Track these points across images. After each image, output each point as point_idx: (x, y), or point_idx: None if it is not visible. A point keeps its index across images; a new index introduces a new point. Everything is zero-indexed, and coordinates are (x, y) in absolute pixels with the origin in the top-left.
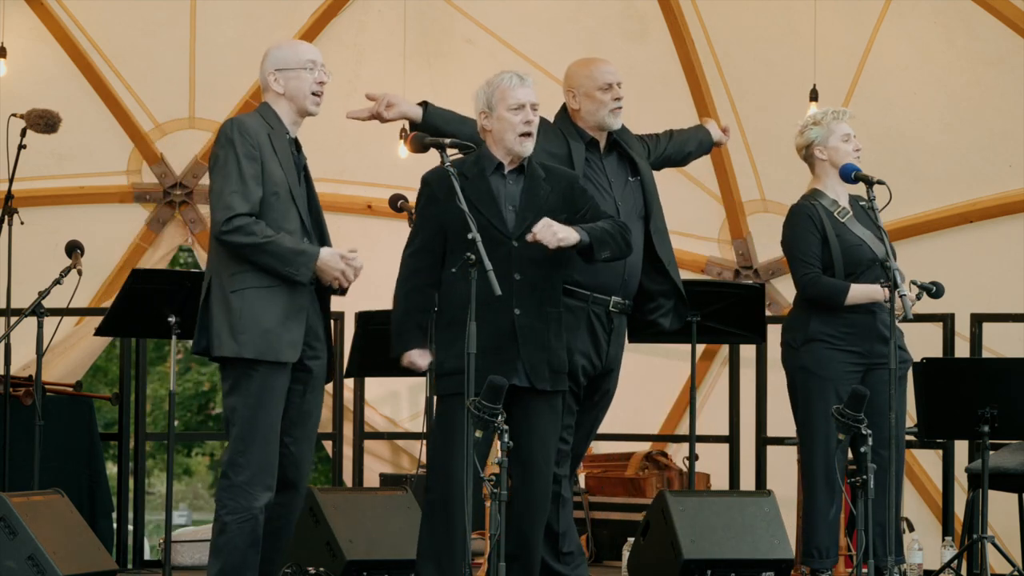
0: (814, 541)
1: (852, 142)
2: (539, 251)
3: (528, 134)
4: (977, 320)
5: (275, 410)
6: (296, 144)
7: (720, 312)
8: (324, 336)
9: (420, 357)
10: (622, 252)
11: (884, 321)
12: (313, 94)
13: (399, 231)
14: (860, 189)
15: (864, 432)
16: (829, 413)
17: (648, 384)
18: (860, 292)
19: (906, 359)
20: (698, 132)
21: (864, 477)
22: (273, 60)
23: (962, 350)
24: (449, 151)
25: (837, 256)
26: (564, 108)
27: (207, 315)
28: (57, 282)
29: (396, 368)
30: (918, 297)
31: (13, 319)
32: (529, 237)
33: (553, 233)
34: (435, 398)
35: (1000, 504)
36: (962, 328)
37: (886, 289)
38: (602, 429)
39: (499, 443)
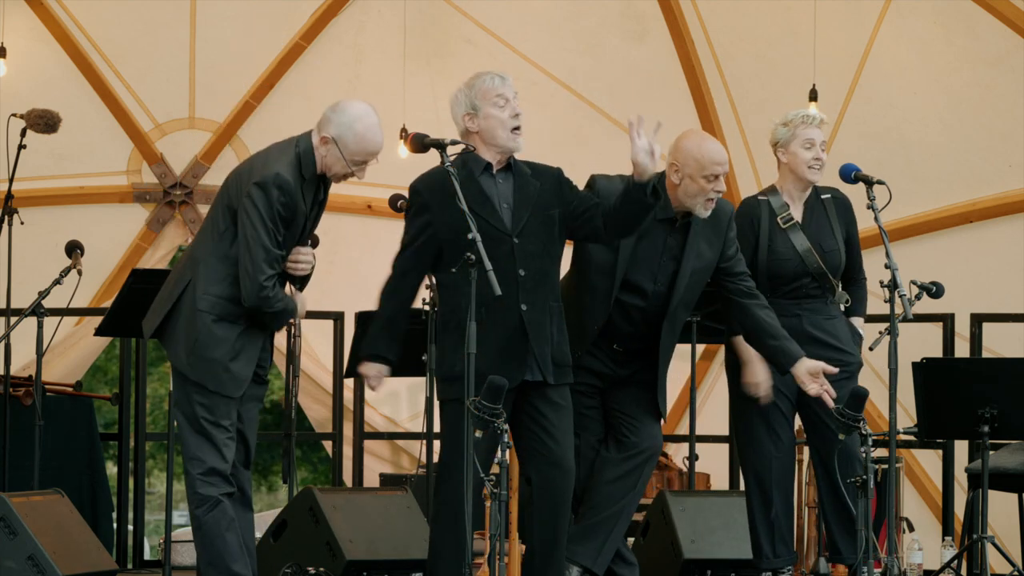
0: (758, 543)
1: (814, 150)
2: (538, 246)
3: (518, 128)
4: (977, 320)
5: (215, 413)
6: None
7: (720, 312)
8: (270, 356)
9: (376, 374)
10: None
11: (813, 323)
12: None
13: (399, 231)
14: (832, 185)
15: (864, 432)
16: (759, 413)
17: None
18: (742, 346)
19: (850, 361)
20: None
21: (864, 477)
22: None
23: (962, 350)
24: (449, 151)
25: (762, 266)
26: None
27: (176, 316)
28: (57, 282)
29: (396, 368)
30: (917, 297)
31: (13, 319)
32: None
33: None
34: (439, 401)
35: (1000, 504)
36: (962, 328)
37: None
38: None
39: (500, 443)
